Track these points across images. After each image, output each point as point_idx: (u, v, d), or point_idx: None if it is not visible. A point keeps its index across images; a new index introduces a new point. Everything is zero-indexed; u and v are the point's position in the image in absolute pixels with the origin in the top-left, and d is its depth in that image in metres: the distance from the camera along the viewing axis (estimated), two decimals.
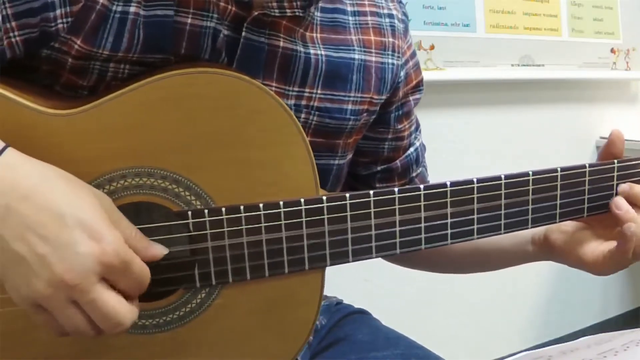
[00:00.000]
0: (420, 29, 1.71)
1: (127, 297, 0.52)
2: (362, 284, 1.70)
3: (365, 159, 0.81)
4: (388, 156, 0.81)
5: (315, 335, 0.78)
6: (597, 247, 0.72)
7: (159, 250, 0.56)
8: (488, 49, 1.85)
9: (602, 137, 2.13)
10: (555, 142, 2.07)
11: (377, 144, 0.80)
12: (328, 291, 0.88)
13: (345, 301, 0.87)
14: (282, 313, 0.63)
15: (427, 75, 1.70)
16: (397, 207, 0.63)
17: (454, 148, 1.82)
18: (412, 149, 0.84)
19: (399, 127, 0.80)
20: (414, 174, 0.85)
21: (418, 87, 0.82)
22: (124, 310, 0.51)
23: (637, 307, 2.44)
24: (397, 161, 0.82)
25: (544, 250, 0.77)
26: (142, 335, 0.60)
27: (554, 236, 0.75)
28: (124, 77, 0.61)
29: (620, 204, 0.71)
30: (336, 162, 0.73)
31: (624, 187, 0.72)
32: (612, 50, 2.17)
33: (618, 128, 0.75)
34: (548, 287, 2.18)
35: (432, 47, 1.74)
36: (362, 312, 0.85)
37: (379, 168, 0.81)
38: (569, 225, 0.75)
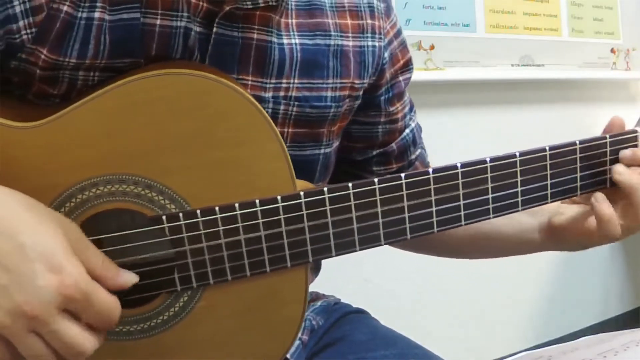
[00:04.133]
0: (420, 29, 1.71)
1: (92, 328, 0.52)
2: (361, 283, 1.70)
3: (360, 144, 0.80)
4: (383, 140, 0.80)
5: (312, 335, 0.77)
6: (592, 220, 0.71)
7: (128, 279, 0.55)
8: (488, 49, 1.85)
9: None
10: (555, 142, 2.07)
11: (371, 129, 0.79)
12: (326, 290, 0.88)
13: (344, 301, 0.87)
14: (268, 312, 0.62)
15: (427, 75, 1.73)
16: (378, 198, 0.61)
17: (454, 148, 1.82)
18: (407, 131, 0.83)
19: (391, 109, 0.79)
20: (412, 156, 0.84)
21: (407, 66, 0.80)
22: (84, 341, 0.51)
23: (637, 307, 2.43)
24: (393, 144, 0.81)
25: (550, 236, 0.76)
26: (128, 341, 0.60)
27: (556, 219, 0.75)
28: (94, 83, 0.60)
29: (619, 169, 0.70)
30: (322, 151, 0.72)
31: (626, 152, 0.71)
32: (612, 50, 2.17)
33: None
34: (548, 287, 2.18)
35: (432, 47, 1.73)
36: (360, 312, 0.85)
37: (374, 152, 0.80)
38: (571, 206, 0.74)
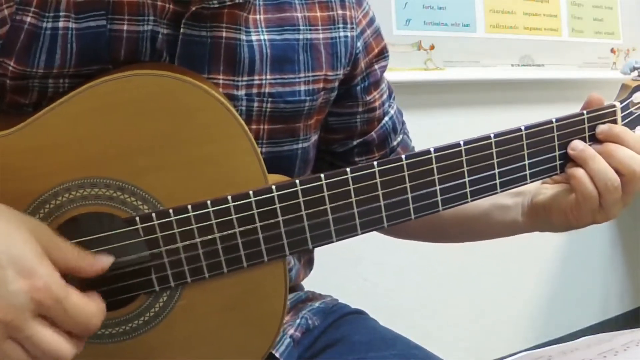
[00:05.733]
0: (420, 29, 1.71)
1: (70, 334, 0.51)
2: (359, 283, 1.70)
3: (340, 135, 0.80)
4: (362, 129, 0.80)
5: (307, 335, 0.77)
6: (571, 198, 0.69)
7: (105, 262, 0.55)
8: (488, 49, 1.85)
9: None
10: None
11: (349, 119, 0.79)
12: (324, 290, 0.88)
13: (342, 300, 0.87)
14: (248, 308, 0.62)
15: (427, 75, 1.74)
16: (351, 187, 0.61)
17: None
18: (386, 118, 0.82)
19: (368, 98, 0.79)
20: (394, 143, 0.84)
21: (382, 54, 0.80)
22: (61, 346, 0.50)
23: (637, 307, 2.43)
24: (373, 133, 0.81)
25: (533, 217, 0.75)
26: (111, 344, 0.60)
27: (537, 198, 0.74)
28: (65, 91, 0.60)
29: (575, 145, 0.68)
30: (300, 145, 0.72)
31: (603, 127, 0.69)
32: (612, 50, 2.17)
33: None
34: (548, 287, 2.18)
35: (432, 47, 1.74)
36: (359, 313, 0.85)
37: (355, 142, 0.80)
38: (552, 185, 0.74)
